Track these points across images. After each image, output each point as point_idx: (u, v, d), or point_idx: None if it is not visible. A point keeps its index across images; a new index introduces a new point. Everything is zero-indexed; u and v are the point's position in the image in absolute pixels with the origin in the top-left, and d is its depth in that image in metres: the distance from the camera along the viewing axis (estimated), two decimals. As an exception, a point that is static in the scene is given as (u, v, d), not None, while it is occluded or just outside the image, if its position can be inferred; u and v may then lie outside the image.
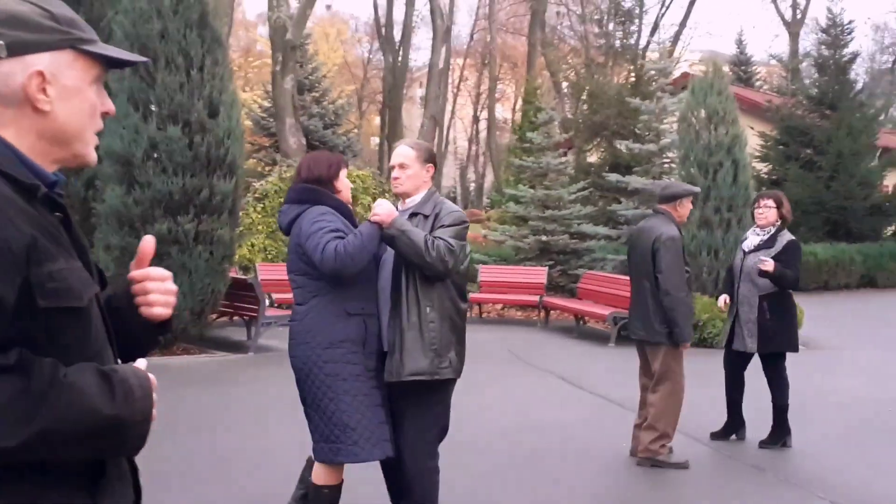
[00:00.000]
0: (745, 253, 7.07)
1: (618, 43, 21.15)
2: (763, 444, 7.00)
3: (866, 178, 22.38)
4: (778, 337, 6.89)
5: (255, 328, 11.22)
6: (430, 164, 4.53)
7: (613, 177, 15.27)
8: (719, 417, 7.47)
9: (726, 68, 15.26)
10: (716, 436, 7.23)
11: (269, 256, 14.46)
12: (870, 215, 22.51)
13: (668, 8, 34.83)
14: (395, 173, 4.48)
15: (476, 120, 54.28)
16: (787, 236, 6.94)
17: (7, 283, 1.46)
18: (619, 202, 15.88)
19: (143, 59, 1.82)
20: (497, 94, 48.56)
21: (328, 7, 51.77)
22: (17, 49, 1.58)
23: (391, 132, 34.54)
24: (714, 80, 12.96)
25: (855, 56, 23.86)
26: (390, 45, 37.64)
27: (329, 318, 4.25)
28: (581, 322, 13.76)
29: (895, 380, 9.99)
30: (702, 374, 8.34)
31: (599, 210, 16.93)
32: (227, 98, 10.68)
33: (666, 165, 15.08)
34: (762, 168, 23.16)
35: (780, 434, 7.01)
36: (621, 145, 17.00)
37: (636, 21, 23.47)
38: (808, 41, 40.76)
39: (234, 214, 10.71)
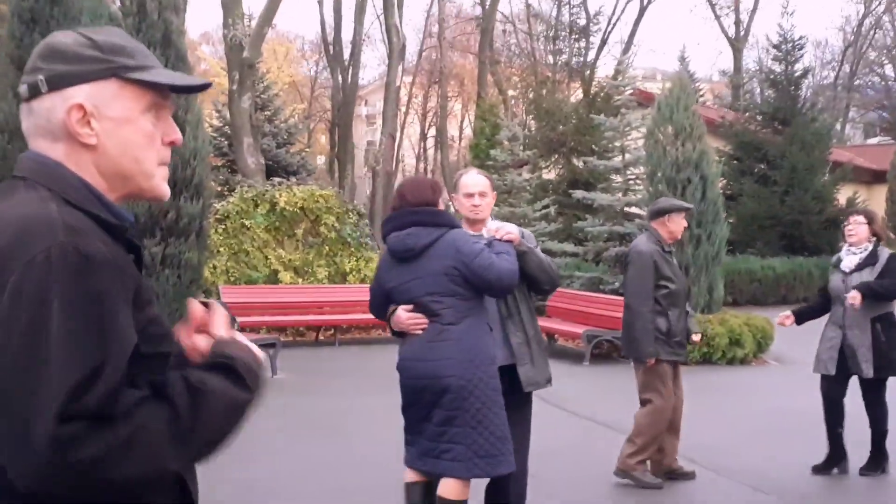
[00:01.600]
0: (845, 274, 6.68)
1: (573, 60, 21.14)
2: (864, 472, 6.74)
3: (820, 193, 22.65)
4: (893, 360, 6.57)
5: (223, 354, 10.89)
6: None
7: (579, 193, 15.20)
8: (711, 436, 7.37)
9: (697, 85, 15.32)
10: (818, 469, 6.82)
11: (232, 279, 14.11)
12: (824, 229, 22.75)
13: (614, 26, 35.13)
14: (475, 201, 4.80)
15: (424, 137, 54.24)
16: (886, 251, 6.62)
17: (131, 325, 1.43)
18: (583, 219, 15.80)
19: (203, 81, 1.70)
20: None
21: (273, 26, 51.37)
22: (55, 82, 1.53)
23: (341, 150, 34.27)
24: (680, 96, 12.95)
25: (807, 71, 24.22)
26: (339, 63, 37.39)
27: (484, 337, 4.49)
28: (552, 340, 13.63)
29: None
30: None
31: (563, 227, 16.86)
32: (193, 118, 10.40)
33: (631, 182, 15.04)
34: (718, 186, 23.33)
35: (879, 460, 6.75)
36: (580, 162, 16.98)
37: (590, 38, 23.54)
38: (751, 58, 41.47)
39: (201, 237, 10.40)
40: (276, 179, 16.05)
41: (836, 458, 6.77)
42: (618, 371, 11.64)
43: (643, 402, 6.49)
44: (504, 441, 4.40)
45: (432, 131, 51.82)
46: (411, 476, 4.58)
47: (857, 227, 6.58)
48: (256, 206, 14.57)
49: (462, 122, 50.18)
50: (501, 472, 4.42)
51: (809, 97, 24.74)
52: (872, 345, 6.49)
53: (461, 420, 4.33)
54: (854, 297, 6.37)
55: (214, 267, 13.92)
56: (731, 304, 17.07)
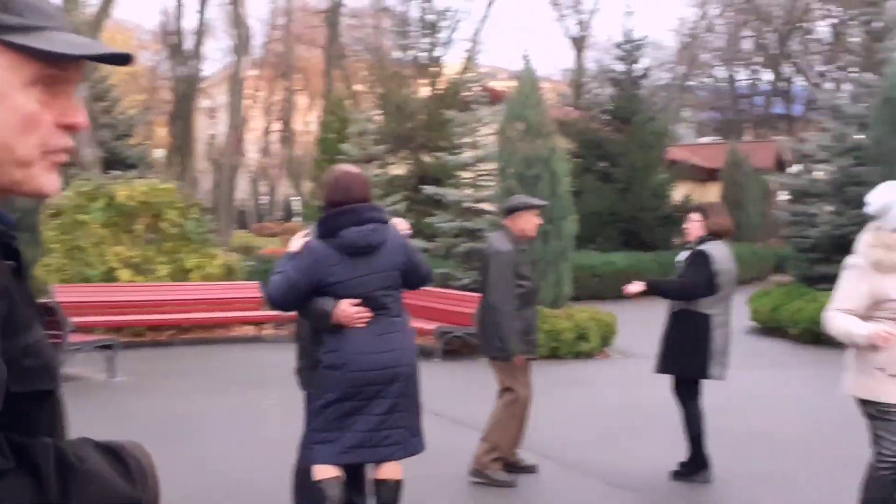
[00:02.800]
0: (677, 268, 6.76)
1: (422, 55, 21.08)
2: (676, 476, 6.63)
3: (658, 190, 23.42)
4: (674, 359, 6.54)
5: (59, 356, 10.30)
6: None
7: (430, 189, 15.15)
8: (562, 431, 7.40)
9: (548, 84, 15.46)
10: (678, 475, 6.63)
11: (67, 277, 13.38)
12: (661, 225, 23.54)
13: (459, 22, 35.45)
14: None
15: (268, 131, 53.38)
16: (701, 247, 6.45)
17: None
18: (433, 215, 15.78)
19: (119, 51, 1.25)
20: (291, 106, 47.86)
21: (111, 13, 49.36)
22: None
23: (182, 143, 33.28)
24: (530, 92, 13.06)
25: (647, 71, 24.96)
26: (180, 53, 36.30)
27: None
28: (402, 337, 13.52)
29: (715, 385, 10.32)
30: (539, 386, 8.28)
31: (413, 223, 16.78)
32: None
33: (482, 177, 15.09)
34: (567, 183, 23.79)
35: (691, 466, 6.65)
36: (430, 157, 16.97)
37: (438, 34, 23.55)
38: (592, 57, 42.58)
39: (34, 233, 9.80)
40: (115, 172, 15.36)
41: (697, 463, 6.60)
42: (470, 367, 11.64)
43: (499, 399, 6.49)
44: (421, 420, 4.78)
45: (278, 125, 50.98)
46: (329, 472, 4.58)
47: (691, 225, 6.62)
48: (93, 200, 13.85)
49: (307, 116, 49.61)
50: (423, 449, 4.78)
51: (648, 97, 25.51)
52: (664, 339, 6.54)
53: (404, 405, 4.62)
54: (631, 286, 6.48)
55: (48, 265, 13.16)
56: (574, 299, 17.36)
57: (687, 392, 6.58)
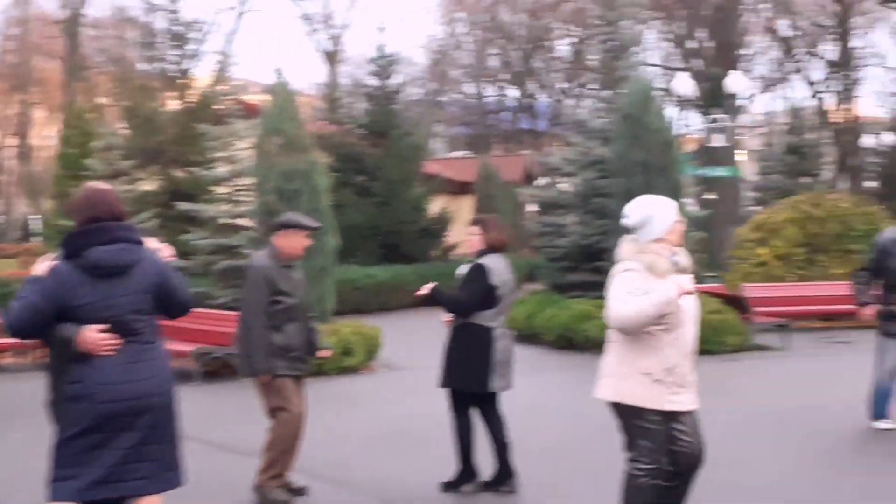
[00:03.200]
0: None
1: (171, 67, 20.31)
2: (446, 487, 6.59)
3: (416, 203, 23.77)
4: (455, 372, 6.51)
5: None
6: None
7: (184, 205, 14.60)
8: (332, 449, 7.27)
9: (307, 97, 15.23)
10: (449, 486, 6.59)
11: None
12: (420, 238, 23.90)
13: (209, 34, 34.64)
14: None
15: (2, 147, 49.99)
16: (479, 261, 6.49)
17: None
18: (188, 232, 15.19)
19: None
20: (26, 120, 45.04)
21: None
22: None
23: None
24: (287, 106, 12.86)
25: (401, 87, 25.30)
26: None
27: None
28: (158, 361, 12.90)
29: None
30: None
31: (167, 241, 16.08)
32: None
33: (239, 192, 14.70)
34: (328, 197, 23.67)
35: (463, 477, 6.62)
36: (182, 172, 16.37)
37: (187, 45, 22.83)
38: (344, 72, 42.79)
39: None
40: None
41: (466, 474, 6.61)
42: (231, 389, 11.29)
43: (272, 416, 6.33)
44: (180, 453, 4.56)
45: (14, 140, 47.81)
46: None
47: (471, 238, 6.69)
48: None
49: (47, 130, 46.83)
50: (182, 483, 4.56)
51: (402, 111, 25.85)
52: (445, 353, 6.56)
53: (156, 437, 4.38)
54: (423, 289, 6.50)
55: None
56: (336, 314, 17.29)
57: (462, 404, 6.57)
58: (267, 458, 6.27)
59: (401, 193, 23.29)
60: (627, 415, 4.83)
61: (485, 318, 6.43)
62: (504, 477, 6.57)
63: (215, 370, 12.27)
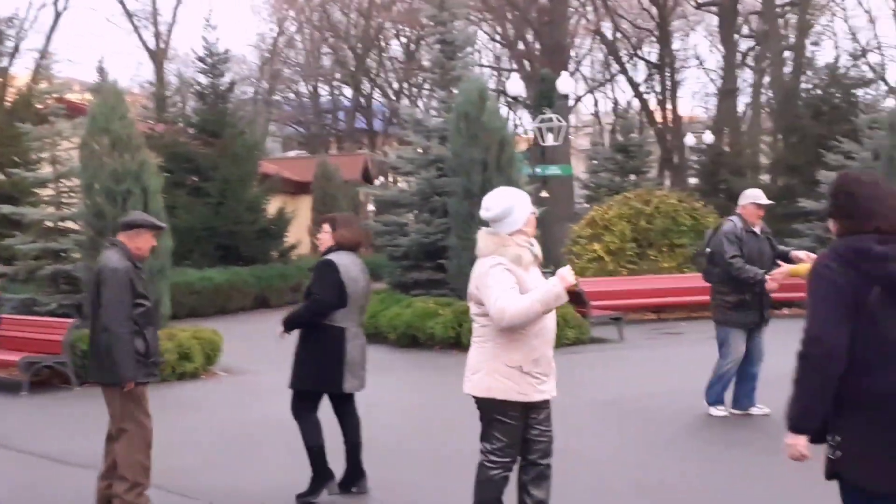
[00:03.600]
0: None
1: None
2: (301, 498, 6.34)
3: (253, 204, 23.30)
4: (307, 372, 6.37)
5: None
6: None
7: (6, 208, 13.85)
8: (173, 457, 7.04)
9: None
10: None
11: None
12: (258, 239, 23.47)
13: (27, 31, 33.18)
14: None
15: None
16: (326, 257, 6.41)
17: None
18: (11, 236, 14.41)
19: None
20: None
21: None
22: None
23: None
24: (116, 104, 12.36)
25: (233, 85, 24.77)
26: None
27: None
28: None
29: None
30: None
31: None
32: None
33: (65, 195, 14.04)
34: (160, 198, 22.90)
35: (318, 482, 6.39)
36: (2, 174, 15.60)
37: (4, 43, 21.73)
38: (172, 70, 41.57)
39: None
40: None
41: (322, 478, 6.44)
42: (63, 398, 10.80)
43: (119, 433, 5.95)
44: None
45: None
46: None
47: (323, 236, 6.57)
48: None
49: None
50: None
51: (235, 111, 25.29)
52: (295, 355, 6.44)
53: None
54: (278, 333, 6.42)
55: None
56: (172, 318, 16.78)
57: (309, 407, 6.44)
58: (130, 478, 5.89)
59: (237, 194, 22.78)
60: (491, 409, 4.85)
61: (338, 318, 6.33)
62: (355, 478, 6.48)
63: (45, 379, 11.68)
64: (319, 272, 6.38)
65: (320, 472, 6.40)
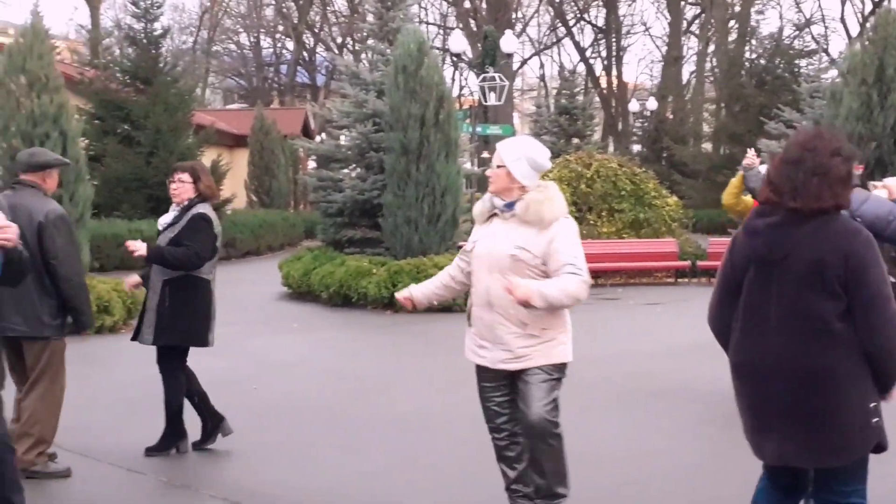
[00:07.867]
0: (159, 232, 6.29)
1: None
2: (150, 452, 6.17)
3: (185, 155, 22.51)
4: (176, 327, 6.05)
5: None
6: None
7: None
8: (81, 415, 6.65)
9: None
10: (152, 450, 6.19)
11: None
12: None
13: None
14: None
15: None
16: (197, 210, 6.09)
17: None
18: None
19: None
20: None
21: None
22: None
23: None
24: (34, 43, 11.72)
25: (166, 31, 23.94)
26: None
27: None
28: None
29: (241, 352, 10.01)
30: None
31: None
32: None
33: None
34: (80, 144, 22.08)
35: (171, 439, 6.22)
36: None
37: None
38: (109, 16, 40.41)
39: None
40: None
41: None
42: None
43: (33, 386, 5.60)
44: None
45: None
46: None
47: (181, 186, 6.18)
48: None
49: None
50: None
51: (170, 59, 24.43)
52: (157, 309, 6.07)
53: None
54: (135, 244, 6.07)
55: None
56: (99, 270, 16.22)
57: (176, 361, 6.19)
58: (34, 435, 5.57)
59: (169, 144, 21.98)
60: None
61: (205, 270, 6.09)
62: (217, 422, 6.30)
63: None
64: (195, 224, 6.05)
65: (176, 430, 6.22)
